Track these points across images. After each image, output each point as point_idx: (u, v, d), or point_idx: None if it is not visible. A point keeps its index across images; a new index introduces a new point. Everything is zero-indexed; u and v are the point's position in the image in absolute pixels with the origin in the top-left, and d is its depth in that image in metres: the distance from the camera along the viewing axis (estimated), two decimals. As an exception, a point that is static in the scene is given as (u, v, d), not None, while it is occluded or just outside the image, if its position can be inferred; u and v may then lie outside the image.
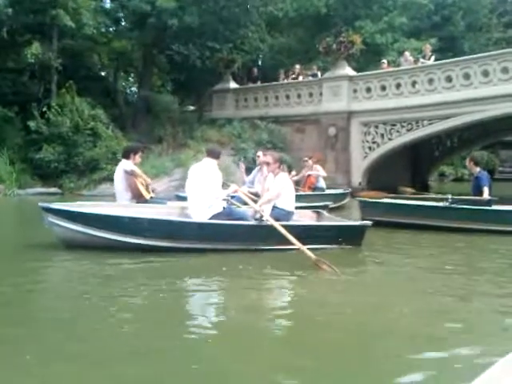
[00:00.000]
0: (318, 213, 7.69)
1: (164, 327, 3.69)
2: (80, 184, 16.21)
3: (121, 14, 20.48)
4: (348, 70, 18.04)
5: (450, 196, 8.77)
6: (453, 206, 8.61)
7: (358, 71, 18.54)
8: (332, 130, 18.03)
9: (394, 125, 17.10)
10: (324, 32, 22.72)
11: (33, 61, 16.51)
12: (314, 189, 12.78)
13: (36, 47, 16.38)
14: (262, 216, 6.26)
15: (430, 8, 27.67)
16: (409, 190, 10.59)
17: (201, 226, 6.27)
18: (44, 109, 16.86)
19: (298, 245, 5.69)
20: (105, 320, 3.82)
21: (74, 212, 6.05)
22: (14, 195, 15.20)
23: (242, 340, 3.53)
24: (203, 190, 6.38)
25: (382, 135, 17.38)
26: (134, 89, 24.12)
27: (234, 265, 5.56)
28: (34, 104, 16.98)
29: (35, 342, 3.33)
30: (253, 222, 6.35)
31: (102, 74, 21.36)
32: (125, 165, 7.22)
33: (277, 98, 19.98)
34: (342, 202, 12.79)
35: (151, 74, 21.29)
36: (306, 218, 7.45)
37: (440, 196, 9.66)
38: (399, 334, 3.68)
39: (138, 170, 7.28)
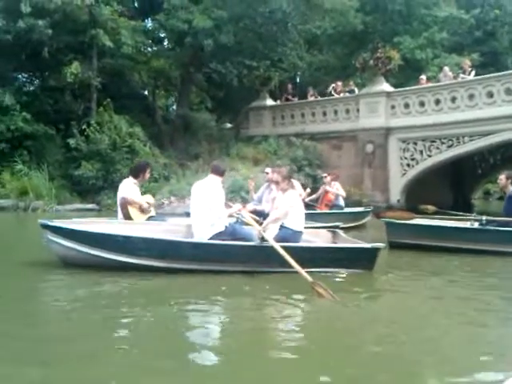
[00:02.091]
0: (333, 233, 7.26)
1: (163, 351, 3.52)
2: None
3: (159, 34, 20.80)
4: (385, 86, 17.79)
5: (484, 217, 8.20)
6: (486, 227, 8.05)
7: (398, 87, 18.25)
8: (369, 147, 17.77)
9: (433, 141, 16.70)
10: (362, 48, 22.60)
11: (72, 80, 16.85)
12: (332, 207, 12.11)
13: (76, 66, 16.76)
14: (263, 236, 5.95)
15: (472, 23, 27.14)
16: (430, 207, 10.01)
17: (196, 245, 6.01)
18: (84, 126, 17.18)
19: (295, 267, 5.31)
20: (97, 346, 3.59)
21: (69, 229, 5.92)
22: (53, 211, 15.45)
23: (244, 366, 3.35)
24: (205, 208, 6.15)
25: (421, 152, 17.00)
26: (173, 107, 24.37)
27: (229, 288, 5.29)
28: (73, 122, 17.37)
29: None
30: (253, 243, 6.01)
31: (141, 92, 21.66)
32: (125, 188, 7.13)
33: (313, 114, 19.88)
34: (362, 221, 12.28)
35: (189, 92, 21.52)
36: (319, 239, 7.03)
37: (473, 216, 8.92)
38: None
39: (135, 196, 7.11)
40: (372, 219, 12.39)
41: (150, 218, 7.21)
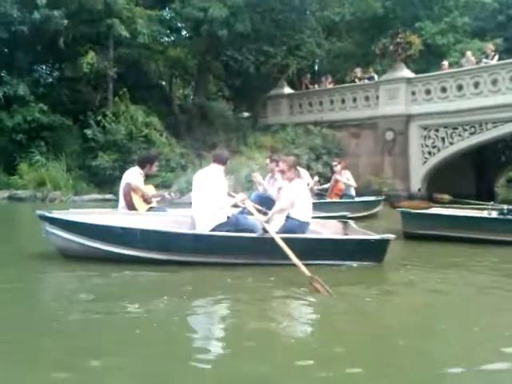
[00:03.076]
0: (344, 223, 6.94)
1: (167, 350, 3.35)
2: (134, 190, 16.31)
3: (176, 23, 20.61)
4: (406, 72, 17.37)
5: (505, 206, 7.87)
6: (507, 217, 7.69)
7: (419, 74, 17.78)
8: (389, 135, 17.40)
9: (455, 128, 16.27)
10: (382, 35, 22.11)
11: (88, 70, 16.78)
12: (342, 196, 11.67)
13: (91, 56, 16.70)
14: (264, 228, 5.72)
15: (495, 7, 26.38)
16: (446, 196, 9.62)
17: (196, 237, 5.78)
18: (100, 117, 17.12)
19: (294, 260, 5.01)
20: (96, 342, 3.46)
21: (66, 221, 5.75)
22: (70, 202, 15.44)
23: (253, 362, 3.18)
24: (207, 198, 5.92)
25: (443, 139, 16.58)
26: (190, 96, 24.19)
27: (231, 281, 5.09)
28: (90, 113, 17.33)
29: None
30: (255, 234, 5.78)
31: (158, 82, 21.52)
32: (130, 175, 7.05)
33: (332, 102, 19.55)
34: (374, 211, 11.85)
35: (206, 81, 21.33)
36: (328, 230, 6.76)
37: (491, 205, 8.50)
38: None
39: (139, 184, 7.03)
40: (384, 209, 12.05)
41: (150, 209, 7.06)
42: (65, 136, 17.98)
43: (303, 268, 4.87)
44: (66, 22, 16.13)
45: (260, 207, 6.76)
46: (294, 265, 5.01)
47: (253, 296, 4.60)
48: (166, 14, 19.27)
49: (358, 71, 19.69)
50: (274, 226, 6.03)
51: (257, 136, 18.75)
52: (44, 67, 20.38)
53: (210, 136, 19.01)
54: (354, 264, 5.82)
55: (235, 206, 6.35)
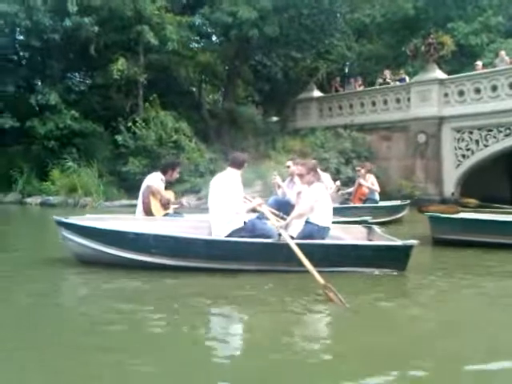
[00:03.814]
0: (368, 229, 6.74)
1: (183, 356, 3.30)
2: (163, 196, 16.37)
3: (205, 28, 20.67)
4: (438, 73, 17.01)
5: None
6: None
7: (453, 75, 17.40)
8: (421, 137, 17.08)
9: (490, 130, 15.85)
10: (413, 36, 21.76)
11: (118, 77, 16.93)
12: (365, 200, 11.40)
13: (122, 63, 16.83)
14: (280, 233, 5.55)
15: (531, 6, 25.68)
16: (472, 201, 9.29)
17: (209, 243, 5.67)
18: (130, 123, 17.26)
19: (308, 267, 4.85)
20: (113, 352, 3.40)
21: (81, 226, 5.75)
22: (101, 207, 15.58)
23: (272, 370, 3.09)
24: (222, 203, 5.81)
25: (477, 142, 16.17)
26: (219, 102, 24.22)
27: (246, 288, 4.97)
28: (120, 119, 17.48)
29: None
30: (270, 240, 5.60)
31: (188, 87, 21.60)
32: (151, 179, 7.04)
33: (362, 105, 19.31)
34: (398, 216, 11.57)
35: (235, 86, 21.32)
36: (351, 235, 6.55)
37: None
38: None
39: (160, 188, 6.99)
40: (411, 214, 11.71)
41: (166, 215, 7.01)
42: (96, 142, 18.18)
43: (317, 275, 4.71)
44: (96, 29, 16.31)
45: (277, 212, 6.62)
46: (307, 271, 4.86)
47: (268, 306, 4.46)
48: (196, 19, 19.28)
49: (388, 73, 19.40)
50: (292, 231, 5.91)
51: (285, 140, 18.64)
52: (76, 74, 20.67)
53: (239, 141, 18.95)
54: (376, 271, 5.62)
55: (254, 210, 6.19)
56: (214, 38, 22.36)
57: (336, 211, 9.30)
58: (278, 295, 4.77)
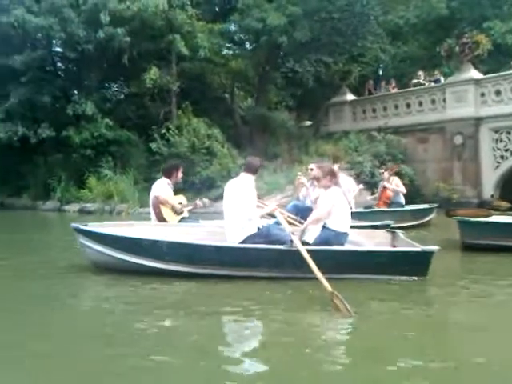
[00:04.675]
0: (392, 234, 6.46)
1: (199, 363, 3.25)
2: (197, 202, 16.47)
3: (237, 35, 20.76)
4: (474, 73, 16.58)
5: None
6: None
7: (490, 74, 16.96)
8: (458, 139, 16.66)
9: (529, 129, 15.36)
10: (448, 36, 21.34)
11: (151, 85, 17.17)
12: (391, 204, 11.02)
13: (154, 72, 17.08)
14: (292, 239, 5.37)
15: None
16: (504, 204, 8.86)
17: (220, 249, 5.55)
18: (164, 130, 17.47)
19: (316, 273, 4.66)
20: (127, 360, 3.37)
21: (97, 233, 5.77)
22: (136, 214, 15.78)
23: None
24: (236, 209, 5.69)
25: (516, 142, 15.69)
26: (252, 108, 24.27)
27: (259, 296, 4.84)
28: (154, 127, 17.71)
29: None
30: (282, 246, 5.41)
31: (220, 94, 21.73)
32: (157, 187, 6.98)
33: (396, 107, 19.00)
34: (424, 220, 11.18)
35: (267, 92, 21.30)
36: (373, 240, 6.33)
37: None
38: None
39: (168, 195, 6.93)
40: (439, 217, 11.22)
41: (182, 220, 6.96)
42: (131, 150, 18.49)
43: (325, 282, 4.53)
44: (129, 39, 16.59)
45: (294, 217, 6.47)
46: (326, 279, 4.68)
47: (280, 315, 4.33)
48: (227, 26, 19.39)
49: (422, 74, 19.04)
50: (308, 237, 5.77)
51: (318, 144, 18.48)
52: (110, 84, 21.04)
53: (271, 146, 18.94)
54: (394, 278, 5.41)
55: (271, 215, 6.07)
56: (245, 45, 22.45)
57: (360, 215, 9.18)
58: (293, 302, 4.69)
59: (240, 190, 5.74)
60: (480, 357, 3.30)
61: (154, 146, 17.46)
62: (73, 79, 19.62)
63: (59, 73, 20.05)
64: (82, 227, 5.84)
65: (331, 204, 5.78)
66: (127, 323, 4.12)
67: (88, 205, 16.72)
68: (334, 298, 4.32)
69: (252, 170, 5.93)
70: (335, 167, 10.13)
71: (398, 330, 3.92)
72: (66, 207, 17.33)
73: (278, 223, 5.96)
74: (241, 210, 5.65)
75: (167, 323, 4.19)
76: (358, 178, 16.24)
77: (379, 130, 18.58)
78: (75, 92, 18.83)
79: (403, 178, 16.80)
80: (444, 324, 4.18)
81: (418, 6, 23.85)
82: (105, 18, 16.05)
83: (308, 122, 23.36)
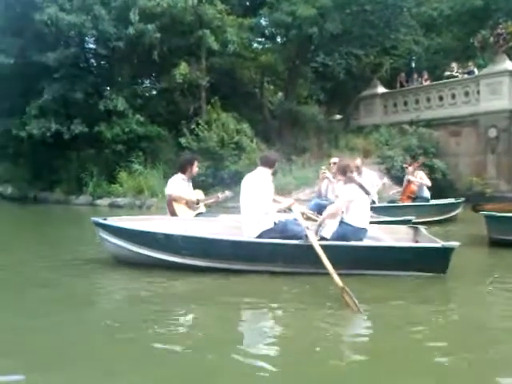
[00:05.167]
0: (414, 229, 6.36)
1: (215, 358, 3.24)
2: (226, 196, 16.52)
3: (267, 29, 20.69)
4: (509, 65, 16.14)
5: None
6: None
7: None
8: (492, 132, 16.28)
9: None
10: (483, 28, 20.83)
11: (181, 81, 17.27)
12: (415, 198, 10.82)
13: (184, 67, 17.15)
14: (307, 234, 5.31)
15: None
16: None
17: (235, 244, 5.53)
18: (193, 126, 17.57)
19: (328, 268, 4.62)
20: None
21: (115, 227, 5.83)
22: (166, 208, 15.88)
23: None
24: (252, 203, 5.64)
25: (552, 134, 15.23)
26: (280, 101, 24.19)
27: (275, 290, 4.84)
28: (183, 121, 17.83)
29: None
30: (297, 241, 5.35)
31: (250, 88, 21.70)
32: (170, 185, 6.97)
33: (428, 100, 18.65)
34: (450, 215, 10.94)
35: (296, 86, 21.15)
36: (394, 236, 6.21)
37: None
38: None
39: (181, 192, 6.90)
40: (466, 212, 10.97)
41: (199, 215, 6.93)
42: (161, 145, 18.65)
43: (336, 278, 4.47)
44: (159, 35, 16.70)
45: (312, 214, 6.38)
46: (341, 274, 4.60)
47: (292, 310, 4.33)
48: (258, 20, 19.31)
49: (455, 66, 18.63)
50: (326, 232, 5.72)
51: (349, 138, 18.31)
52: (141, 80, 21.24)
53: (300, 141, 18.83)
54: (413, 275, 5.30)
55: (288, 210, 5.99)
56: (276, 39, 22.36)
57: (384, 210, 9.04)
58: (308, 297, 4.65)
59: (256, 184, 5.70)
60: (490, 354, 3.23)
61: (183, 140, 17.56)
62: (105, 75, 19.91)
63: (92, 69, 20.33)
64: (101, 221, 5.91)
65: (346, 199, 5.72)
66: (135, 315, 4.16)
67: (119, 199, 16.97)
68: (344, 293, 4.26)
69: (268, 163, 5.88)
70: (357, 162, 10.17)
71: (408, 328, 3.82)
72: (98, 201, 17.62)
73: (296, 218, 5.90)
74: (257, 205, 5.61)
75: (179, 315, 4.22)
76: (388, 172, 16.09)
77: (411, 123, 18.29)
78: (107, 88, 19.07)
79: (435, 172, 16.57)
80: (457, 323, 4.04)
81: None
82: (134, 16, 16.20)
83: (338, 116, 23.15)
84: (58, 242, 8.57)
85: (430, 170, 16.56)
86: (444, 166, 16.84)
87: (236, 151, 16.96)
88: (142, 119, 17.88)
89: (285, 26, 18.26)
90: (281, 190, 14.96)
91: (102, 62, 20.57)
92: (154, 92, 20.79)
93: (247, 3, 22.88)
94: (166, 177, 17.24)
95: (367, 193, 5.85)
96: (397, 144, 17.31)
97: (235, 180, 16.58)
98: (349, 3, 18.03)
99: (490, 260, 6.69)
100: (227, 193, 7.54)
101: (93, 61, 20.64)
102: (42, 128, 17.46)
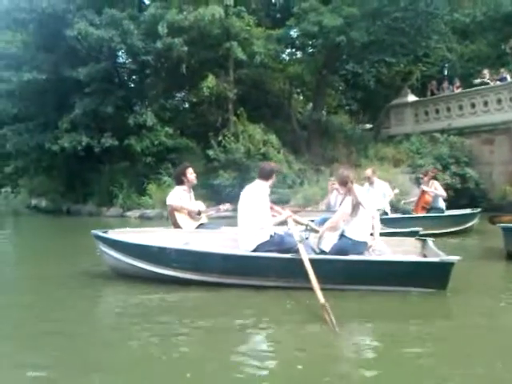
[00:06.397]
0: (422, 242, 6.08)
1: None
2: (251, 207, 16.49)
3: (294, 40, 20.67)
4: (543, 70, 15.68)
5: None
6: None
7: None
8: (526, 139, 15.78)
9: None
10: (518, 33, 20.35)
11: (208, 93, 17.39)
12: (430, 209, 10.43)
13: (211, 80, 17.28)
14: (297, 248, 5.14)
15: None
16: None
17: (226, 257, 5.44)
18: (220, 138, 17.65)
19: (312, 283, 4.47)
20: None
21: (112, 240, 5.82)
22: (193, 219, 15.96)
23: None
24: (248, 216, 5.52)
25: None
26: (309, 112, 24.12)
27: (266, 306, 4.74)
28: (211, 133, 17.92)
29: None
30: (289, 255, 5.20)
31: (278, 99, 21.67)
32: (171, 196, 6.88)
33: (460, 107, 18.23)
34: (465, 226, 10.47)
35: (324, 96, 21.02)
36: (399, 249, 5.97)
37: None
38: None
39: (182, 202, 6.80)
40: (482, 223, 10.48)
41: (200, 226, 6.83)
42: (189, 157, 18.66)
43: (319, 294, 4.30)
44: (186, 48, 16.87)
45: (315, 226, 6.19)
46: (336, 289, 4.56)
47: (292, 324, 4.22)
48: (284, 32, 19.31)
49: (487, 73, 18.20)
50: (324, 245, 5.58)
51: (378, 148, 18.06)
52: (171, 93, 21.47)
53: (329, 150, 18.69)
54: (412, 290, 5.07)
55: (298, 223, 5.86)
56: (305, 50, 22.33)
57: (397, 221, 8.81)
58: (300, 313, 4.53)
59: (252, 197, 5.60)
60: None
61: (211, 152, 17.65)
62: (135, 89, 20.23)
63: (122, 84, 20.69)
64: (99, 234, 5.93)
65: (344, 212, 5.58)
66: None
67: (148, 211, 17.12)
68: (324, 310, 4.13)
69: (264, 175, 5.76)
70: (368, 172, 9.96)
71: (387, 352, 3.61)
72: (128, 213, 17.82)
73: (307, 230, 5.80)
74: (253, 218, 5.51)
75: (164, 331, 4.14)
76: (418, 181, 15.75)
77: (442, 131, 17.90)
78: (137, 102, 19.36)
79: (468, 182, 16.19)
80: (442, 344, 3.76)
81: (484, 2, 22.83)
82: (163, 29, 16.41)
83: (368, 125, 22.91)
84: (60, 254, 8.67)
85: (462, 180, 16.21)
86: (477, 175, 16.44)
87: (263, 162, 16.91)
88: (170, 131, 18.06)
89: (312, 37, 18.22)
90: (307, 202, 14.93)
91: (133, 77, 20.90)
92: (183, 105, 20.99)
93: (276, 15, 22.94)
94: (194, 189, 17.49)
95: (363, 206, 5.62)
96: (428, 153, 16.97)
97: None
98: (378, 12, 17.85)
99: (506, 274, 6.35)
100: (228, 205, 7.44)
101: (123, 75, 20.99)
102: (73, 142, 17.81)
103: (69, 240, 11.37)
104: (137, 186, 18.46)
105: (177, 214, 6.74)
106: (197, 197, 16.83)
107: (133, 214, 17.67)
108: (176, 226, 6.71)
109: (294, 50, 22.14)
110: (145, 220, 16.46)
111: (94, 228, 6.25)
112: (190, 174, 7.10)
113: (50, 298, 5.32)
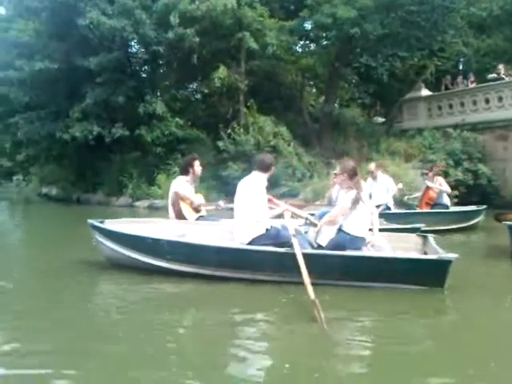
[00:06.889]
0: (423, 238, 5.94)
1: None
2: (261, 200, 16.42)
3: (306, 31, 20.48)
4: (559, 65, 15.38)
5: None
6: None
7: None
8: (541, 136, 15.52)
9: None
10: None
11: (220, 84, 17.30)
12: (434, 206, 10.22)
13: (222, 71, 17.18)
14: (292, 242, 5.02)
15: None
16: None
17: (220, 250, 5.33)
18: (229, 130, 17.57)
19: (304, 278, 4.37)
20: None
21: (107, 230, 5.76)
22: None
23: None
24: (244, 208, 5.41)
25: None
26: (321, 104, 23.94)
27: (259, 300, 4.67)
28: (221, 125, 17.84)
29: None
30: (283, 249, 5.06)
31: (290, 91, 21.52)
32: (177, 184, 6.77)
33: (474, 102, 17.96)
34: (470, 223, 10.25)
35: (337, 89, 20.83)
36: (402, 245, 5.84)
37: None
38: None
39: (187, 192, 6.71)
40: (487, 220, 10.29)
41: (200, 218, 6.73)
42: (199, 148, 18.62)
43: (310, 290, 4.19)
44: (197, 39, 16.78)
45: (315, 219, 6.07)
46: (332, 284, 4.49)
47: (269, 323, 4.13)
48: (298, 23, 19.11)
49: (502, 68, 17.90)
50: (322, 240, 5.45)
51: (390, 142, 17.84)
52: (182, 84, 21.40)
53: (340, 144, 18.53)
54: (407, 288, 4.95)
55: (297, 216, 5.77)
56: (319, 42, 22.12)
57: (400, 217, 8.69)
58: (293, 308, 4.44)
59: (249, 189, 5.48)
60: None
61: (221, 144, 17.60)
62: (146, 80, 20.18)
63: (133, 74, 20.65)
64: (95, 223, 5.87)
65: (343, 206, 5.46)
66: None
67: (156, 201, 17.12)
68: (314, 307, 4.02)
69: (263, 168, 5.62)
70: (371, 166, 9.81)
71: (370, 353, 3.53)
72: (137, 203, 17.85)
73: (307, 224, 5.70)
74: (249, 211, 5.39)
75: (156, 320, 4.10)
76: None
77: (455, 126, 17.65)
78: (149, 92, 19.33)
79: (480, 178, 15.96)
80: (432, 341, 3.69)
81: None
82: (174, 20, 16.32)
83: (380, 119, 22.69)
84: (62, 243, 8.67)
85: (475, 176, 15.97)
86: (490, 172, 16.19)
87: (273, 155, 16.77)
88: (181, 122, 18.01)
89: (325, 28, 18.03)
90: (317, 196, 14.79)
91: (145, 67, 20.84)
92: (194, 95, 20.91)
93: (290, 6, 22.72)
94: (204, 180, 17.45)
95: (364, 202, 5.52)
96: (440, 148, 16.73)
97: (270, 183, 16.45)
98: (393, 4, 17.59)
99: (510, 273, 6.16)
100: (228, 205, 7.33)
101: (135, 65, 20.94)
102: (84, 131, 17.84)
103: (74, 229, 11.37)
104: (146, 176, 18.46)
105: (181, 204, 6.63)
106: (206, 188, 16.92)
107: (141, 204, 17.68)
108: (179, 216, 6.59)
109: (307, 41, 21.99)
110: (153, 210, 16.46)
111: (103, 217, 6.21)
112: (197, 167, 6.96)
113: (43, 286, 5.34)
